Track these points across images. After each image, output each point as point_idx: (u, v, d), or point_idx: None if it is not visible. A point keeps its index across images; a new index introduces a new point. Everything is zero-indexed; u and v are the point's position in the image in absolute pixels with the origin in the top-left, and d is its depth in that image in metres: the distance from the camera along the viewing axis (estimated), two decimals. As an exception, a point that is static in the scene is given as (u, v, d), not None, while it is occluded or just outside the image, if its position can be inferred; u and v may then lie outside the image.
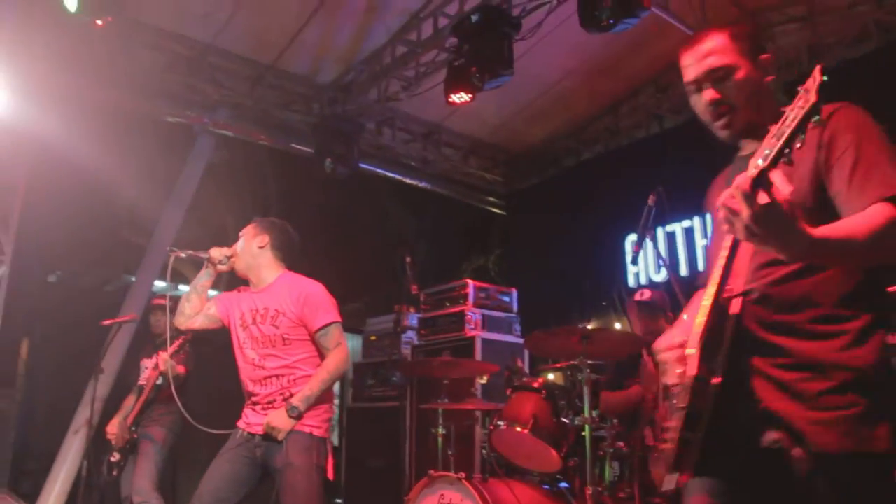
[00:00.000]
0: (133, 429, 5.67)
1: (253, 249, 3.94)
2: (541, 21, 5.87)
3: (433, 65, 6.82)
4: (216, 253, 3.90)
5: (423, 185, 8.75)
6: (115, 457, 5.63)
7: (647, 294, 5.06)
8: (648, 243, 7.78)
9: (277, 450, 3.60)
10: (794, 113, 1.57)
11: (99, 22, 5.36)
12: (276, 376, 3.74)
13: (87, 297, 8.29)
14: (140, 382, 5.89)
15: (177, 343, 5.41)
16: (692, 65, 2.12)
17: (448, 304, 6.72)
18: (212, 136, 7.58)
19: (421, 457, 6.41)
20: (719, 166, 7.23)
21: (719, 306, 1.95)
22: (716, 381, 1.89)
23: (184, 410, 4.26)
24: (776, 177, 1.64)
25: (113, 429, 5.70)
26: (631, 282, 7.84)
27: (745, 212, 1.63)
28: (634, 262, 4.23)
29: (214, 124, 7.37)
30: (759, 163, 1.62)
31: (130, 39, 6.60)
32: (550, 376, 6.20)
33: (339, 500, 8.04)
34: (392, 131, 8.22)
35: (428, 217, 9.63)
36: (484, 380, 6.03)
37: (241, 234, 4.06)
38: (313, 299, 3.81)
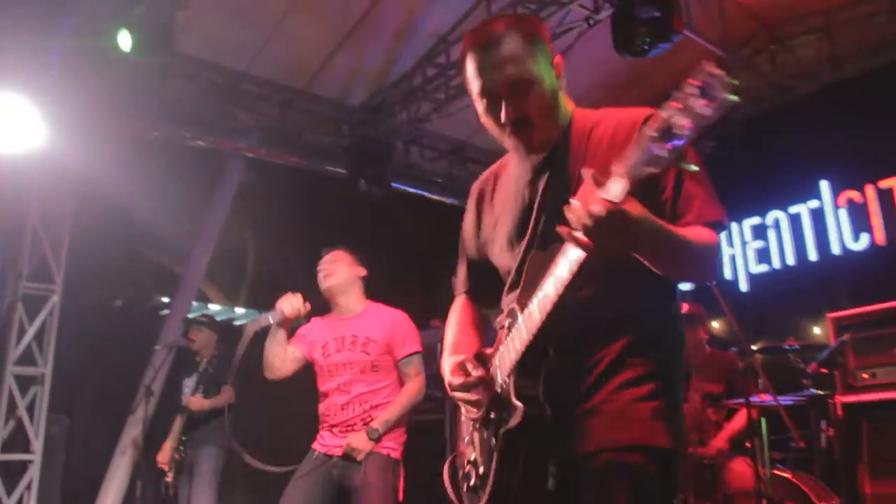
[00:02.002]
0: (181, 448, 5.82)
1: (352, 277, 4.11)
2: (571, 45, 6.04)
3: (462, 86, 6.98)
4: (289, 309, 3.85)
5: (449, 201, 8.92)
6: (169, 477, 5.78)
7: (685, 307, 5.22)
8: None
9: (355, 470, 3.78)
10: (692, 114, 1.39)
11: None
12: (360, 402, 3.91)
13: (118, 320, 8.48)
14: (183, 403, 6.04)
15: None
16: (483, 70, 1.86)
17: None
18: (241, 160, 7.74)
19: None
20: (742, 177, 7.43)
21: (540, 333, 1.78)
22: (548, 411, 1.79)
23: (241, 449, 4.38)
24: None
25: (164, 456, 5.84)
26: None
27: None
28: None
29: (247, 149, 7.54)
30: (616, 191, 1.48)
31: (168, 70, 6.78)
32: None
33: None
34: (419, 150, 8.40)
35: (452, 231, 9.77)
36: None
37: (333, 257, 4.13)
38: (403, 328, 4.06)
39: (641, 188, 1.50)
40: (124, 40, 5.04)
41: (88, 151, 6.26)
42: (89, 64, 5.90)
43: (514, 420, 1.77)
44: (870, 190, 6.48)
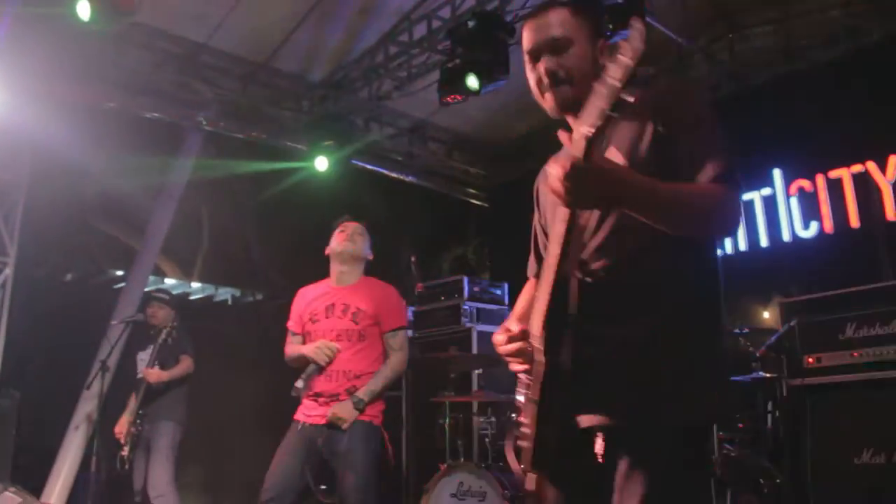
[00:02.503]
0: (138, 422, 5.80)
1: (364, 255, 4.30)
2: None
3: (425, 66, 7.00)
4: (325, 360, 4.00)
5: (408, 178, 8.94)
6: (125, 451, 5.76)
7: None
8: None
9: (339, 438, 3.89)
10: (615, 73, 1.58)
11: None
12: (345, 371, 4.00)
13: (71, 293, 8.37)
14: (139, 376, 6.01)
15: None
16: (532, 33, 2.10)
17: (443, 298, 6.95)
18: (200, 133, 7.66)
19: (417, 445, 6.64)
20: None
21: (557, 290, 1.91)
22: (566, 368, 1.90)
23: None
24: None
25: (121, 428, 5.82)
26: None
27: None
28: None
29: (207, 122, 7.46)
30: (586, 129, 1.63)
31: (124, 39, 6.66)
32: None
33: (324, 486, 8.23)
34: (379, 127, 8.39)
35: (408, 209, 9.82)
36: (480, 370, 6.31)
37: (362, 232, 4.34)
38: (393, 301, 4.24)
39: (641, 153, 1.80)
40: (83, 9, 4.93)
41: (43, 121, 6.15)
42: (43, 31, 5.78)
43: (542, 373, 1.89)
44: (820, 179, 6.64)
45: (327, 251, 4.28)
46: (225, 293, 9.77)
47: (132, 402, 5.94)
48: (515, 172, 9.71)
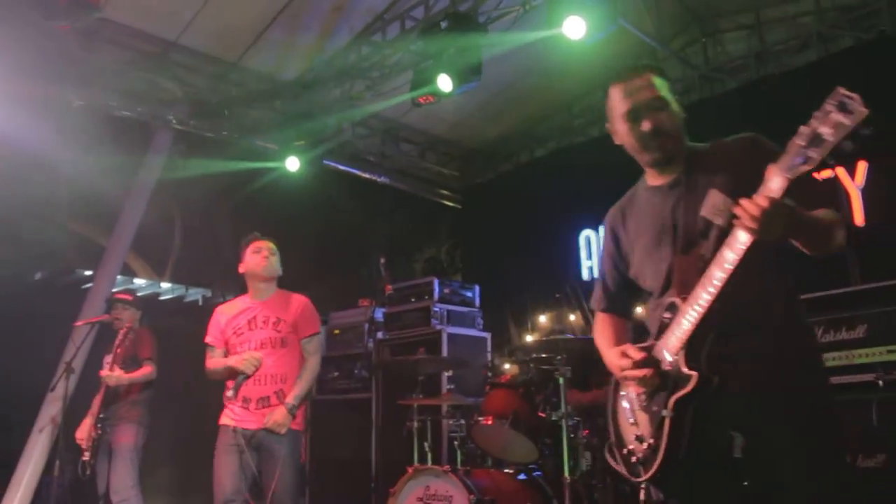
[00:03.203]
0: (98, 426, 5.70)
1: (279, 269, 4.59)
2: (507, 28, 6.06)
3: (398, 66, 6.97)
4: (247, 367, 4.21)
5: (381, 179, 8.90)
6: (86, 456, 5.65)
7: None
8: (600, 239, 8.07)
9: (275, 442, 4.17)
10: (834, 124, 1.83)
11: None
12: (272, 375, 4.31)
13: (39, 293, 8.25)
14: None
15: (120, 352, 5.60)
16: (630, 96, 2.38)
17: (413, 300, 6.90)
18: (170, 131, 7.57)
19: (387, 448, 6.59)
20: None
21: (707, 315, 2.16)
22: (715, 379, 2.15)
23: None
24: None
25: (82, 433, 5.71)
26: (585, 275, 8.14)
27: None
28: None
29: (177, 120, 7.38)
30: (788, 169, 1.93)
31: (92, 36, 6.57)
32: (507, 366, 6.47)
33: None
34: (352, 127, 8.34)
35: (382, 210, 9.79)
36: (450, 372, 6.27)
37: (268, 249, 4.56)
38: (308, 311, 4.55)
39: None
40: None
41: (12, 119, 6.05)
42: (9, 26, 5.68)
43: (689, 386, 2.13)
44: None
45: (242, 270, 4.55)
46: (196, 293, 9.67)
47: (95, 405, 5.83)
48: (488, 174, 9.72)
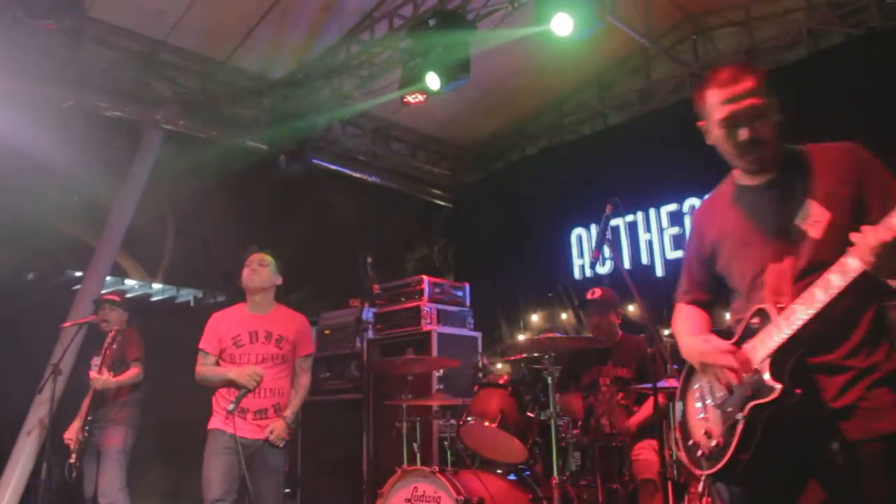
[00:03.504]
0: (86, 428, 5.66)
1: (272, 282, 4.61)
2: (496, 26, 6.03)
3: (387, 64, 6.94)
4: (248, 381, 4.28)
5: (371, 179, 8.87)
6: (73, 458, 5.61)
7: (597, 293, 5.23)
8: (593, 239, 8.05)
9: (268, 454, 4.33)
10: None
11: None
12: (271, 389, 4.41)
13: (30, 294, 8.20)
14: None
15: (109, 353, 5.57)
16: (731, 101, 2.29)
17: (403, 300, 6.86)
18: (160, 131, 7.54)
19: (378, 449, 6.57)
20: (662, 163, 7.59)
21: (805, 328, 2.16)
22: (797, 392, 2.14)
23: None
24: None
25: (71, 435, 5.67)
26: (576, 274, 8.12)
27: None
28: (594, 266, 4.45)
29: (165, 120, 7.34)
30: None
31: (81, 36, 6.53)
32: (499, 366, 6.45)
33: (288, 490, 8.15)
34: (342, 127, 8.31)
35: (373, 209, 9.76)
36: (440, 372, 6.25)
37: (262, 261, 4.60)
38: (306, 331, 4.70)
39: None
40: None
41: (2, 119, 6.02)
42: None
43: (771, 396, 2.12)
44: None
45: (240, 283, 4.64)
46: (187, 294, 9.63)
47: (84, 408, 5.79)
48: (480, 173, 9.70)
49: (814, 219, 2.20)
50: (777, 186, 2.36)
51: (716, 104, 2.32)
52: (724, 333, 2.42)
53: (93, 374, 5.62)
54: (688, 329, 2.57)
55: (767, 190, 2.37)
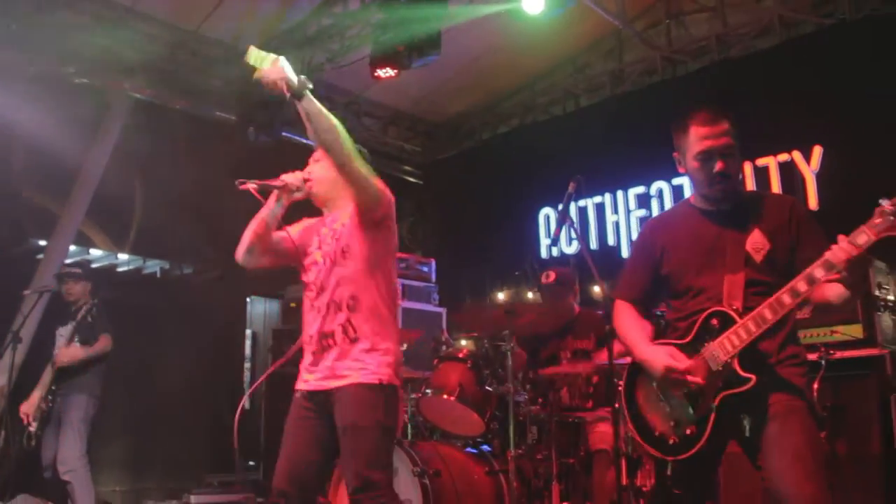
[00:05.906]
0: (49, 398, 5.62)
1: (334, 174, 3.26)
2: (467, 3, 6.01)
3: (358, 38, 6.90)
4: (291, 178, 3.33)
5: (342, 153, 8.83)
6: (33, 426, 5.58)
7: (552, 276, 5.15)
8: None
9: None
10: None
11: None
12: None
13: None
14: (56, 351, 5.81)
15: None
16: (710, 138, 2.70)
17: (370, 274, 6.86)
18: (128, 100, 7.45)
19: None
20: (631, 146, 7.57)
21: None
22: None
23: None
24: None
25: (28, 407, 5.61)
26: (543, 253, 8.18)
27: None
28: (555, 243, 4.49)
29: (133, 89, 7.25)
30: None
31: (48, 1, 6.43)
32: (463, 342, 6.48)
33: (252, 462, 8.16)
34: (313, 100, 8.25)
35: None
36: (404, 346, 6.26)
37: (313, 159, 3.49)
38: None
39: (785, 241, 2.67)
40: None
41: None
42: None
43: (745, 386, 2.53)
44: (747, 167, 6.72)
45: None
46: (154, 266, 9.54)
47: (45, 377, 5.74)
48: (451, 150, 9.69)
49: (758, 246, 2.67)
50: (732, 215, 2.76)
51: (696, 139, 2.72)
52: (668, 328, 2.87)
53: (61, 349, 5.57)
54: (641, 336, 2.86)
55: (724, 216, 2.78)
